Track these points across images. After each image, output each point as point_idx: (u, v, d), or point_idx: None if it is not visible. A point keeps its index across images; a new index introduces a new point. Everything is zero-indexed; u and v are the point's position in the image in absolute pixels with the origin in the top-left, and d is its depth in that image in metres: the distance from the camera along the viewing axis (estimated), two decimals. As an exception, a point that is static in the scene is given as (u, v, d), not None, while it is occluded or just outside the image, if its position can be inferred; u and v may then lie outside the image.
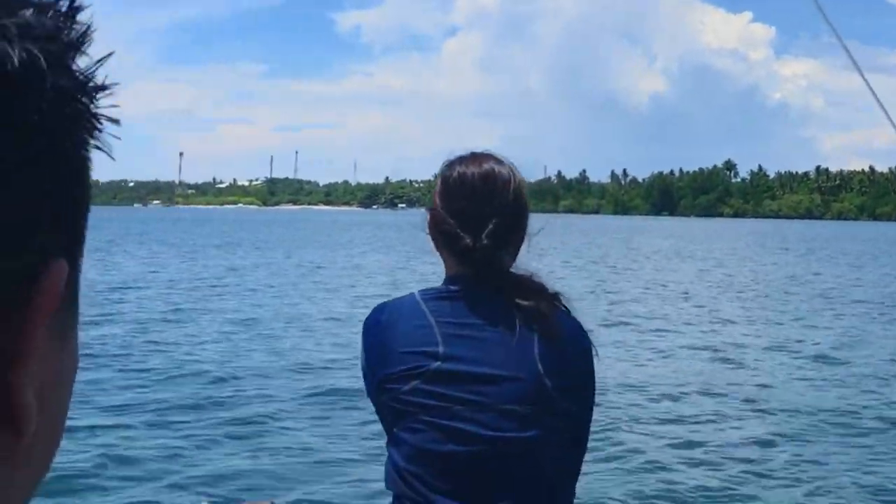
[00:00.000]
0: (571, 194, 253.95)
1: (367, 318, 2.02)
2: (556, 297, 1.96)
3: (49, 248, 0.45)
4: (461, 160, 2.02)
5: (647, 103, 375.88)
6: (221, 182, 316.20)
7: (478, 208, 1.93)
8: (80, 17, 0.46)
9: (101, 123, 0.48)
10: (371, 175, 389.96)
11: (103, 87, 0.47)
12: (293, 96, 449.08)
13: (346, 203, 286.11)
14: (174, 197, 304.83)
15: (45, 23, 0.44)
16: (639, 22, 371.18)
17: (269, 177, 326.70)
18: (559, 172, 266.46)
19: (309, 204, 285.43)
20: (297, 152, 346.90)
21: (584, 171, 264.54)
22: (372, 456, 6.96)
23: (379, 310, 2.01)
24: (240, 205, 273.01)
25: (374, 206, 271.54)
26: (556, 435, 1.90)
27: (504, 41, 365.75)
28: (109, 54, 0.47)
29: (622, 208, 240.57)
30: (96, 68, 0.47)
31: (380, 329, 1.96)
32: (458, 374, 1.87)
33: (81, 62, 0.46)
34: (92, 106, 0.47)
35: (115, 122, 0.48)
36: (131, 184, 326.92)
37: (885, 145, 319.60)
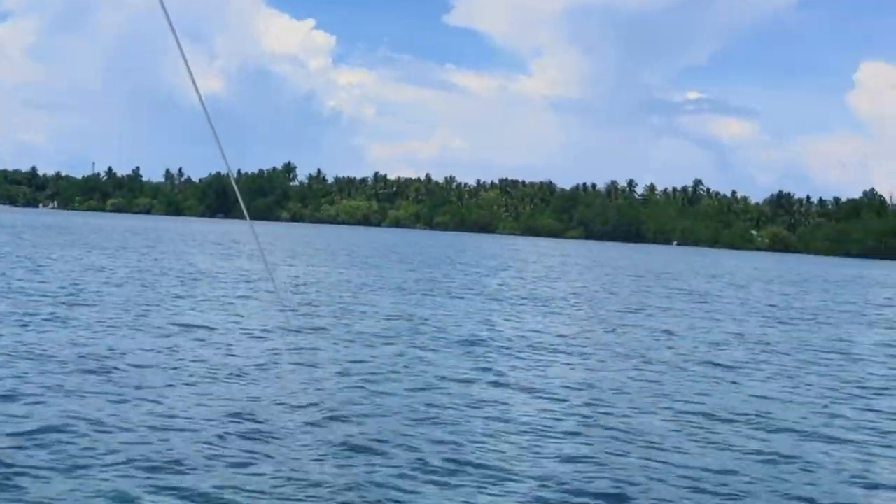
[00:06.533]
0: (122, 192, 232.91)
1: None
2: None
3: None
4: None
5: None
6: None
7: None
8: None
9: None
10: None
11: None
12: None
13: None
14: None
15: None
16: (203, 21, 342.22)
17: None
18: (110, 169, 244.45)
19: None
20: None
21: (138, 168, 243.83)
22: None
23: None
24: None
25: None
26: None
27: (60, 31, 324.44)
28: None
29: (175, 209, 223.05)
30: None
31: None
32: None
33: None
34: None
35: None
36: None
37: (436, 156, 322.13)
